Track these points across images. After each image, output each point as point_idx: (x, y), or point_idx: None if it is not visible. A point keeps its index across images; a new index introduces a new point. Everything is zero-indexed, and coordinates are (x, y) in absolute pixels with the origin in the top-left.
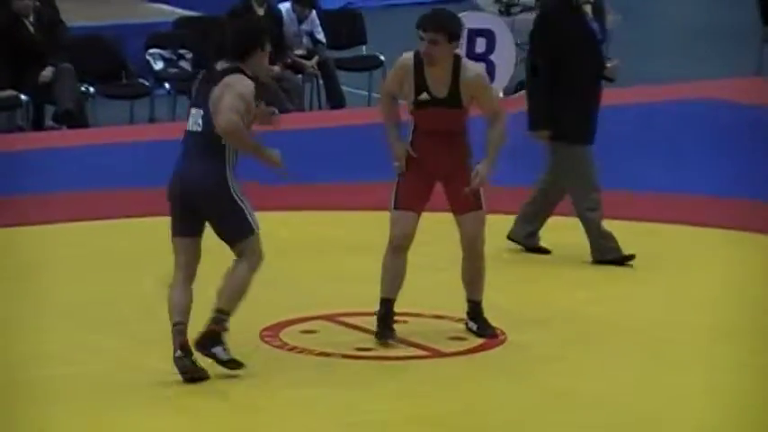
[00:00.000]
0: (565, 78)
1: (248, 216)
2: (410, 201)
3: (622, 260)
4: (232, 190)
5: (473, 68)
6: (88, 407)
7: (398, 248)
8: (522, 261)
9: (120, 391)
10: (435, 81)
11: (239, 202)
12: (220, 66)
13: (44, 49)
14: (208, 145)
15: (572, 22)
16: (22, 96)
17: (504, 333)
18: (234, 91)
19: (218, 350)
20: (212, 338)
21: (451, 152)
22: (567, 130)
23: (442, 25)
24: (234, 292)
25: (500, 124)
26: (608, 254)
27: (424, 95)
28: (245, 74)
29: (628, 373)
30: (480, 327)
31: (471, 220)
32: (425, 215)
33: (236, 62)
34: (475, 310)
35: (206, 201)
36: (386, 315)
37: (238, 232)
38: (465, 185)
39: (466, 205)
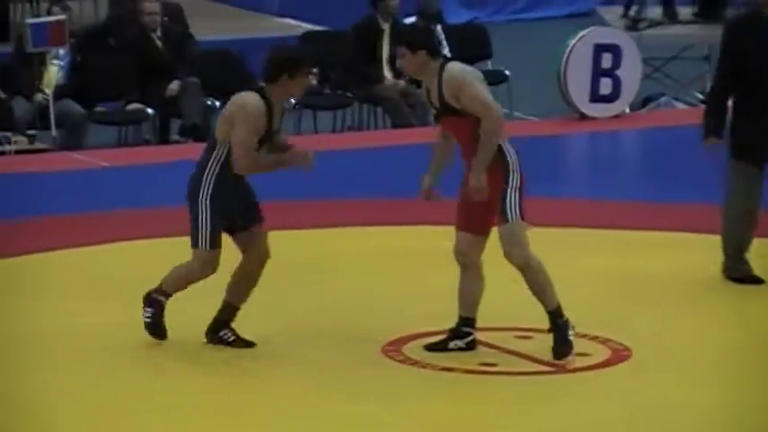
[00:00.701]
0: (742, 93)
1: (201, 229)
2: (458, 219)
3: (751, 280)
4: (201, 196)
5: (451, 69)
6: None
7: (460, 266)
8: (644, 278)
9: (238, 406)
10: (431, 93)
11: (201, 213)
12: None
13: (171, 64)
14: (205, 149)
15: (757, 34)
16: (149, 110)
17: (628, 349)
18: (235, 107)
19: (147, 310)
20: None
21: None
22: (735, 145)
23: (401, 38)
24: (172, 279)
25: (487, 129)
26: (736, 273)
27: (433, 110)
28: (263, 95)
29: (748, 389)
30: (554, 343)
31: (501, 238)
32: None
33: (263, 82)
34: (551, 321)
35: (187, 198)
36: (452, 329)
37: (191, 237)
38: (490, 205)
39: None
